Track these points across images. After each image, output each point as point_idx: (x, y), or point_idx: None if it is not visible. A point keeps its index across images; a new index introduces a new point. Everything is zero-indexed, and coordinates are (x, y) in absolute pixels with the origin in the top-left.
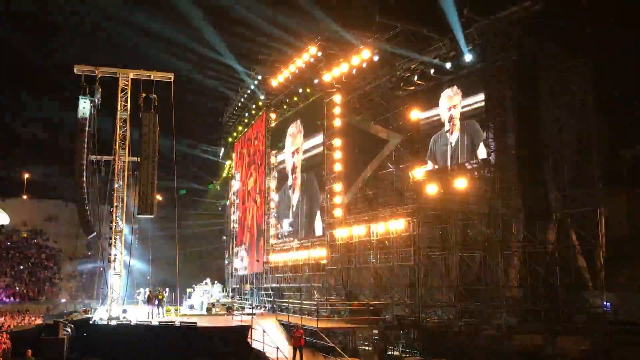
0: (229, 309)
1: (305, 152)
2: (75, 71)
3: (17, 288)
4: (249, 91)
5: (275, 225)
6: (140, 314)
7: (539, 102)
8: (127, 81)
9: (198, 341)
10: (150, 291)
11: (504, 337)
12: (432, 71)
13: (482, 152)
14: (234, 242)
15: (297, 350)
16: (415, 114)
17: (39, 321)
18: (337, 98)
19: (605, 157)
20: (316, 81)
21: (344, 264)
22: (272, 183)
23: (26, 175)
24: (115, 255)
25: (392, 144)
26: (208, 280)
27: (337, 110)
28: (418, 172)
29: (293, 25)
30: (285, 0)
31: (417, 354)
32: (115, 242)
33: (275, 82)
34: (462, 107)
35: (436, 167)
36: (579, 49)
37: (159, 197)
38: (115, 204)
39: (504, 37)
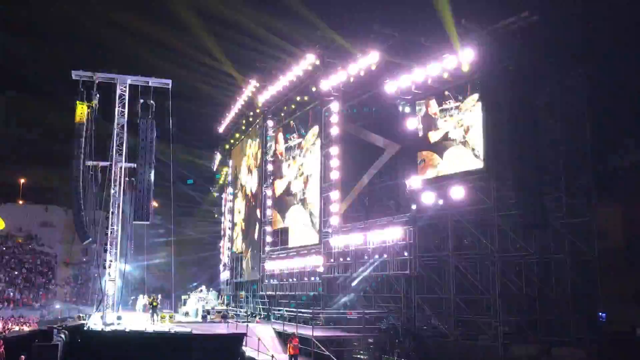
0: (224, 317)
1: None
2: (73, 76)
3: (12, 294)
4: (246, 98)
5: (271, 233)
6: (135, 320)
7: (535, 112)
8: (125, 87)
9: (193, 349)
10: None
11: (499, 347)
12: (429, 81)
13: (479, 162)
14: (230, 249)
15: (293, 358)
16: (412, 123)
17: (33, 327)
18: (335, 106)
19: (601, 168)
20: (314, 89)
21: (339, 272)
22: (269, 190)
23: (22, 180)
24: (111, 261)
25: (389, 152)
26: (203, 287)
27: (334, 119)
28: (415, 181)
29: (291, 33)
30: (284, 8)
31: None
32: (110, 248)
33: (272, 89)
34: (460, 116)
35: (433, 176)
36: (575, 59)
37: (155, 204)
38: (111, 210)
39: (500, 48)
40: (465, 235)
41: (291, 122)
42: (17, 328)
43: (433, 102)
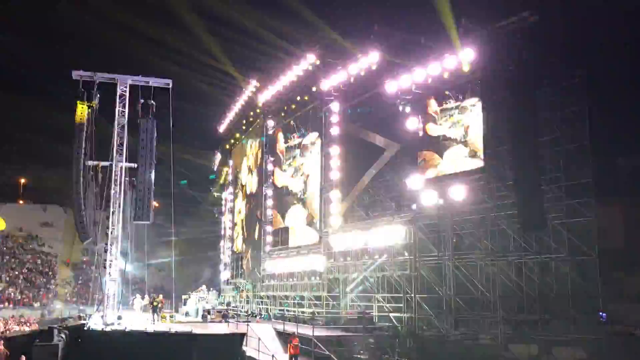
0: (225, 316)
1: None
2: (73, 76)
3: (12, 294)
4: (246, 98)
5: (271, 232)
6: (135, 320)
7: (535, 112)
8: (126, 87)
9: (193, 348)
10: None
11: (500, 347)
12: (429, 80)
13: (479, 162)
14: (231, 248)
15: (294, 358)
16: (413, 123)
17: (33, 327)
18: (335, 106)
19: (601, 167)
20: (314, 89)
21: (340, 272)
22: (269, 190)
23: (22, 180)
24: (111, 261)
25: (390, 152)
26: (204, 287)
27: (334, 118)
28: (415, 181)
29: (292, 33)
30: (284, 8)
31: None
32: (111, 248)
33: (273, 89)
34: (460, 116)
35: (433, 176)
36: (575, 59)
37: (155, 204)
38: (111, 210)
39: (501, 48)
40: (465, 234)
41: (291, 121)
42: (17, 328)
43: (433, 102)
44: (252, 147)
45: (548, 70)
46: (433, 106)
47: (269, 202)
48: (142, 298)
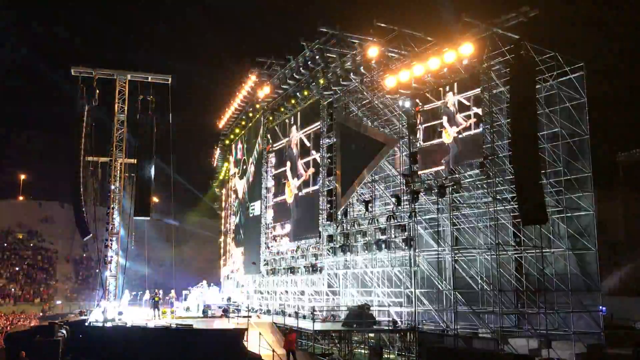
0: (225, 311)
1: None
2: (72, 73)
3: (13, 289)
4: (246, 93)
5: (271, 228)
6: (136, 315)
7: (535, 107)
8: (125, 83)
9: (194, 344)
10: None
11: (499, 341)
12: (429, 75)
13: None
14: (231, 244)
15: (290, 353)
16: (413, 118)
17: (34, 322)
18: (335, 101)
19: (601, 162)
20: (314, 84)
21: (340, 267)
22: (269, 184)
23: (22, 177)
24: (111, 257)
25: (389, 146)
26: (204, 282)
27: (334, 113)
28: (415, 175)
29: (291, 28)
30: (284, 2)
31: (413, 357)
32: (111, 244)
33: (272, 84)
34: (459, 111)
35: (434, 170)
36: (575, 54)
37: (155, 199)
38: (111, 206)
39: (500, 42)
40: (465, 229)
41: (291, 117)
42: (18, 323)
43: (432, 97)
44: (252, 143)
45: (548, 64)
46: (433, 101)
47: (269, 197)
48: (130, 294)
